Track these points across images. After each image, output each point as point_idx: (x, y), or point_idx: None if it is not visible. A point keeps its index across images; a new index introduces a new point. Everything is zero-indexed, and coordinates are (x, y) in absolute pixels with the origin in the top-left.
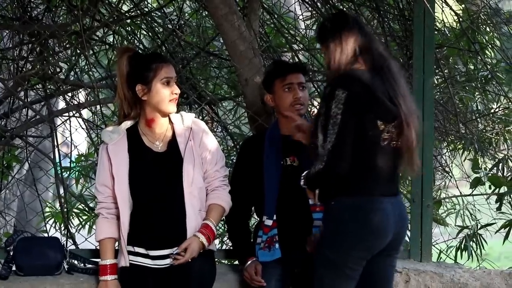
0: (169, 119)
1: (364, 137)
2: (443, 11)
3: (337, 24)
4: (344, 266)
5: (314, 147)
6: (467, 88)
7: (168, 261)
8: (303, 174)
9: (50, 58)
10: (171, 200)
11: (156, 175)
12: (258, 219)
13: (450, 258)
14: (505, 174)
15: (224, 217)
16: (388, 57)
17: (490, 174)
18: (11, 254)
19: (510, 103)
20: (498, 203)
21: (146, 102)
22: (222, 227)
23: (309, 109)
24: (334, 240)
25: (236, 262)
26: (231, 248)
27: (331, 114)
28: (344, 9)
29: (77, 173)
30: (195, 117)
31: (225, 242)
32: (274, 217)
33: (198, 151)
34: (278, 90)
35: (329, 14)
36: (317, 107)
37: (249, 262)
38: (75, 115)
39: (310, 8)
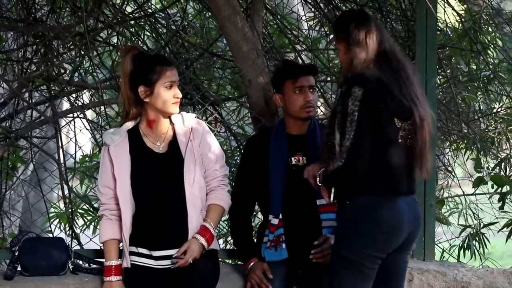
0: (170, 120)
1: (382, 134)
2: (445, 11)
3: (360, 23)
4: (361, 265)
5: (330, 146)
6: (469, 88)
7: (170, 261)
8: (319, 172)
9: (55, 60)
10: (173, 200)
11: (158, 176)
12: (263, 218)
13: (453, 257)
14: (507, 174)
15: (227, 214)
16: (403, 59)
17: (492, 174)
18: (16, 254)
19: None
20: (501, 202)
21: (148, 104)
22: (226, 227)
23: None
24: (350, 239)
25: (240, 262)
26: (235, 247)
27: (348, 111)
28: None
29: (81, 173)
30: (196, 117)
31: (229, 242)
32: (280, 216)
33: (198, 151)
34: (288, 91)
35: (349, 10)
36: (333, 106)
37: (252, 263)
38: (80, 116)
39: (313, 9)
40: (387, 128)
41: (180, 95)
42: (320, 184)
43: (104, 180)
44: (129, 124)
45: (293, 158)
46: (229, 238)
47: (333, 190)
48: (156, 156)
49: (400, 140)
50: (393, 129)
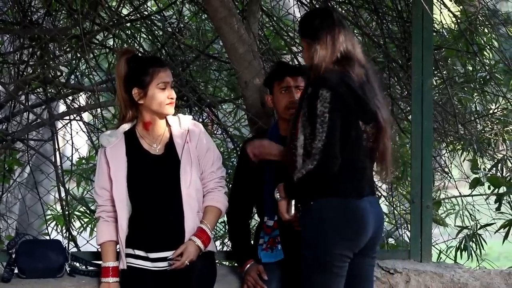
0: (167, 121)
1: (348, 137)
2: (441, 12)
3: (326, 23)
4: (330, 265)
5: (293, 148)
6: (465, 89)
7: (167, 263)
8: (278, 186)
9: (51, 62)
10: (169, 202)
11: (154, 178)
12: (259, 220)
13: (450, 258)
14: (504, 175)
15: (225, 216)
16: (366, 62)
17: (489, 175)
18: (13, 257)
19: (508, 104)
20: (497, 203)
21: (143, 106)
22: (223, 229)
23: None
24: (317, 240)
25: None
26: (232, 250)
27: (317, 113)
28: (343, 11)
29: (78, 176)
30: (192, 119)
31: (226, 244)
32: (275, 218)
33: (195, 153)
34: (276, 92)
35: (314, 9)
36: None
37: (248, 265)
38: (76, 118)
39: (309, 11)
40: (353, 131)
41: (175, 96)
42: (278, 199)
43: (101, 182)
44: (126, 126)
45: None
46: (226, 240)
47: (292, 203)
48: (152, 158)
49: (364, 143)
50: (358, 132)
